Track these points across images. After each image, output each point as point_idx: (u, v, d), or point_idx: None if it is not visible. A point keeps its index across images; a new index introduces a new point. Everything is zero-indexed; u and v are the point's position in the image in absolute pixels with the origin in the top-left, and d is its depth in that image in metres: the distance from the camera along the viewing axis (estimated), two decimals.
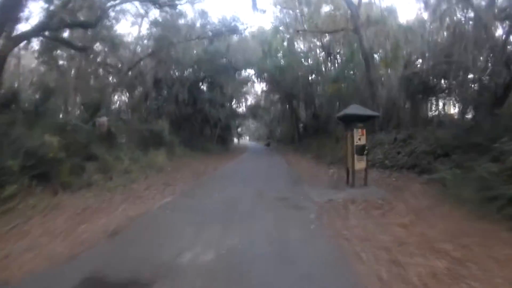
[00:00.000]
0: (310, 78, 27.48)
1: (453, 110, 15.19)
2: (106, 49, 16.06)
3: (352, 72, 16.87)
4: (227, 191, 7.98)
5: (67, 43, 11.65)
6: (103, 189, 8.17)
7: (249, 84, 41.80)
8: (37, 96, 10.63)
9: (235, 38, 25.84)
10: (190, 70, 21.93)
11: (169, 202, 6.85)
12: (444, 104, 15.45)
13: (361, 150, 7.66)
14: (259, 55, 27.95)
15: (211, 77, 25.05)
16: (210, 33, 18.43)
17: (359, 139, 7.67)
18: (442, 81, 14.54)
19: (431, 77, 13.54)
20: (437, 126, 12.19)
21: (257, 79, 34.26)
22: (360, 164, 7.71)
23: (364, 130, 7.80)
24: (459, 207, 5.92)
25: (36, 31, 9.62)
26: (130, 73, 19.87)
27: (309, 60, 26.19)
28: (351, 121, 7.73)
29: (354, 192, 7.22)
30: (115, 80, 16.16)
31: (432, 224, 5.04)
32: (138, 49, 19.49)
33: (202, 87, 25.10)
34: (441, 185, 7.46)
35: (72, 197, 7.07)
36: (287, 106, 37.24)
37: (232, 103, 42.90)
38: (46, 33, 10.48)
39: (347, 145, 7.99)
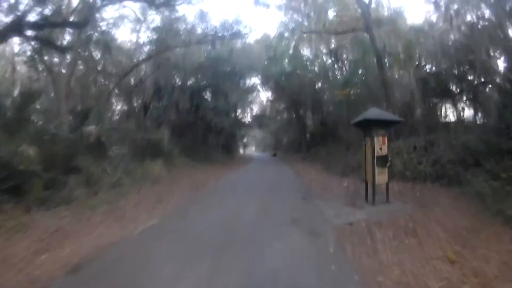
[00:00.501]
0: (316, 85, 26.47)
1: (469, 113, 14.13)
2: (99, 54, 15.20)
3: (362, 75, 15.77)
4: (227, 209, 6.86)
5: (48, 43, 10.75)
6: (84, 207, 7.21)
7: (254, 93, 41.14)
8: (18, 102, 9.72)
9: (238, 44, 25.07)
10: (192, 77, 20.97)
11: (155, 225, 5.75)
12: (463, 108, 14.26)
13: (383, 162, 6.50)
14: (263, 61, 27.10)
15: (215, 84, 24.15)
16: (210, 37, 17.47)
17: (380, 148, 6.52)
18: (460, 82, 13.54)
19: (450, 77, 12.41)
20: (457, 131, 11.04)
21: (262, 87, 33.25)
22: (381, 177, 6.55)
23: (386, 138, 6.65)
24: (509, 229, 4.81)
25: (11, 28, 8.71)
26: (130, 79, 19.13)
27: (316, 66, 25.13)
28: (370, 127, 6.58)
29: (376, 211, 6.07)
30: (112, 87, 15.24)
31: (485, 256, 3.89)
32: (137, 55, 18.66)
33: (205, 94, 24.12)
34: (478, 201, 6.31)
35: (45, 215, 6.16)
36: (293, 114, 36.17)
37: (238, 112, 42.12)
38: (29, 33, 9.61)
39: (366, 155, 6.82)
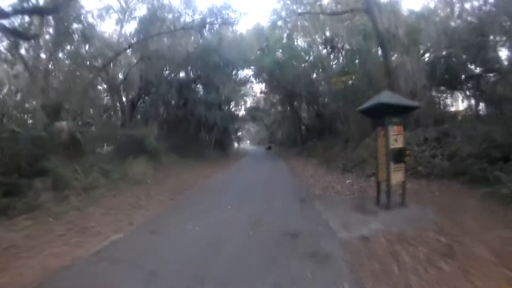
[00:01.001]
0: (312, 75, 25.28)
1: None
2: (82, 46, 13.79)
3: (362, 62, 14.56)
4: (210, 219, 5.65)
5: (8, 30, 9.40)
6: (48, 215, 6.08)
7: (247, 86, 39.81)
8: None
9: (229, 33, 23.70)
10: (181, 69, 19.61)
11: (118, 241, 4.57)
12: (473, 96, 13.20)
13: (399, 156, 5.36)
14: (256, 52, 25.78)
15: (205, 76, 22.84)
16: (198, 24, 16.15)
17: (396, 140, 5.36)
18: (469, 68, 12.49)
19: (460, 62, 11.30)
20: (471, 122, 9.98)
21: (256, 79, 31.89)
22: (397, 175, 5.42)
23: (402, 128, 5.50)
24: None
25: None
26: (117, 73, 17.77)
27: (311, 56, 23.89)
28: (382, 114, 5.40)
29: (393, 218, 4.93)
30: (91, 79, 13.87)
31: None
32: (122, 46, 17.27)
33: (195, 88, 22.79)
34: None
35: (2, 226, 5.29)
36: (288, 107, 35.03)
37: (231, 106, 40.80)
38: None
39: (378, 148, 5.66)
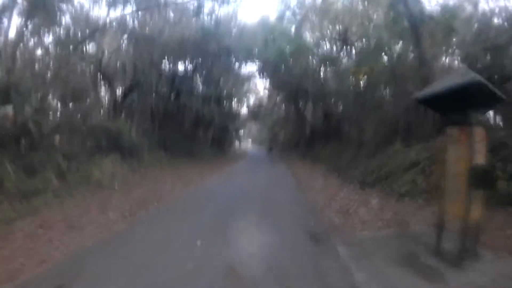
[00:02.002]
0: (320, 71, 23.10)
1: None
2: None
3: (382, 53, 12.33)
4: (157, 273, 3.36)
5: None
6: None
7: (250, 82, 37.65)
8: None
9: (231, 23, 21.55)
10: (174, 57, 17.42)
11: None
12: None
13: (484, 177, 3.13)
14: (261, 46, 23.56)
15: (203, 66, 20.71)
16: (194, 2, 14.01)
17: (479, 151, 3.15)
18: None
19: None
20: None
21: (260, 74, 29.55)
22: (476, 209, 3.21)
23: (484, 132, 3.29)
24: None
25: None
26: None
27: (320, 50, 21.68)
28: (461, 106, 3.17)
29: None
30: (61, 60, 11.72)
31: None
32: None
33: (191, 78, 20.60)
34: None
35: None
36: (293, 106, 32.82)
37: (232, 102, 38.57)
38: None
39: (449, 164, 3.40)
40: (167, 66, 17.55)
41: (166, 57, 15.94)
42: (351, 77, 15.50)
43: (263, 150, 46.77)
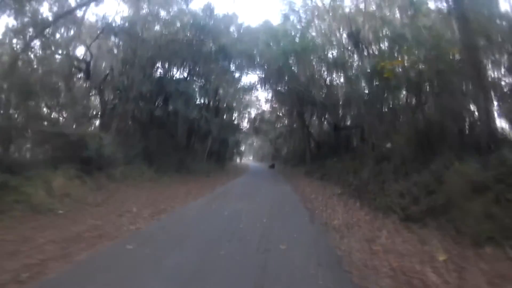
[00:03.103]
0: (329, 77, 20.88)
1: None
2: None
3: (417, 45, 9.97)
4: None
5: None
6: None
7: (252, 94, 35.37)
8: None
9: (229, 21, 19.43)
10: (161, 55, 15.15)
11: None
12: None
13: None
14: (264, 51, 21.38)
15: (199, 70, 18.49)
16: None
17: None
18: None
19: None
20: None
21: (261, 84, 27.24)
22: None
23: None
24: None
25: None
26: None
27: (328, 52, 19.44)
28: None
29: None
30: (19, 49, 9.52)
31: None
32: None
33: (182, 82, 18.33)
34: None
35: None
36: (297, 118, 30.52)
37: (233, 114, 36.30)
38: None
39: None
40: (155, 66, 15.26)
41: (150, 54, 13.65)
42: (369, 79, 13.16)
43: (264, 165, 44.16)
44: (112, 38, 13.43)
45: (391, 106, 14.26)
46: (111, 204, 7.65)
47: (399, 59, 11.27)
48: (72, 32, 12.83)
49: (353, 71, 17.47)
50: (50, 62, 11.40)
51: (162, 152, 15.81)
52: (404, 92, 12.05)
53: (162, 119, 17.02)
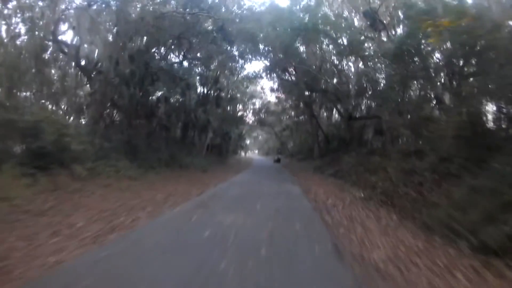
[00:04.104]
0: (343, 62, 18.61)
1: None
2: None
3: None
4: None
5: None
6: None
7: (257, 84, 33.04)
8: None
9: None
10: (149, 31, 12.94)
11: None
12: None
13: None
14: (269, 35, 19.08)
15: (194, 51, 16.37)
16: None
17: None
18: None
19: None
20: None
21: (267, 73, 24.85)
22: None
23: None
24: None
25: None
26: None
27: (343, 33, 17.08)
28: None
29: None
30: None
31: None
32: None
33: (175, 66, 16.20)
34: None
35: None
36: (304, 110, 28.29)
37: (236, 106, 34.11)
38: None
39: None
40: (138, 44, 13.05)
41: (134, 30, 11.45)
42: (394, 59, 10.92)
43: (270, 160, 41.96)
44: (91, 12, 11.32)
45: (419, 91, 12.08)
46: (58, 212, 5.63)
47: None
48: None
49: (371, 53, 15.22)
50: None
51: (151, 145, 13.80)
52: (444, 71, 9.77)
53: (151, 109, 14.98)
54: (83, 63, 12.33)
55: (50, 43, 12.20)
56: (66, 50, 12.18)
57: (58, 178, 7.57)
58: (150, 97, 14.42)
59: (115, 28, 11.34)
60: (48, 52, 12.67)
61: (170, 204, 6.80)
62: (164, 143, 15.29)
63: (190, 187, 9.68)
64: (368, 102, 17.79)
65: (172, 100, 16.16)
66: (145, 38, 12.79)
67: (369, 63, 15.62)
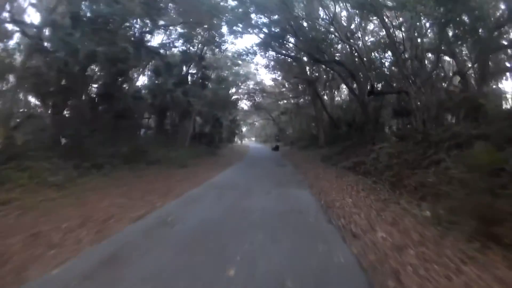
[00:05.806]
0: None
1: None
2: None
3: None
4: None
5: None
6: None
7: (250, 60, 29.04)
8: None
9: None
10: None
11: None
12: None
13: None
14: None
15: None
16: None
17: None
18: None
19: None
20: None
21: (262, 46, 20.85)
22: None
23: None
24: None
25: None
26: None
27: None
28: None
29: None
30: None
31: None
32: None
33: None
34: None
35: None
36: (307, 90, 24.70)
37: (229, 89, 30.26)
38: None
39: None
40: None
41: None
42: None
43: (267, 148, 38.21)
44: None
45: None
46: None
47: None
48: None
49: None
50: None
51: (105, 138, 10.24)
52: None
53: (109, 90, 11.33)
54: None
55: None
56: None
57: None
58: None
59: None
60: None
61: (89, 240, 3.22)
62: (128, 133, 11.69)
63: (141, 199, 6.04)
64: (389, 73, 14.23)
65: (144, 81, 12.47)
66: None
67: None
